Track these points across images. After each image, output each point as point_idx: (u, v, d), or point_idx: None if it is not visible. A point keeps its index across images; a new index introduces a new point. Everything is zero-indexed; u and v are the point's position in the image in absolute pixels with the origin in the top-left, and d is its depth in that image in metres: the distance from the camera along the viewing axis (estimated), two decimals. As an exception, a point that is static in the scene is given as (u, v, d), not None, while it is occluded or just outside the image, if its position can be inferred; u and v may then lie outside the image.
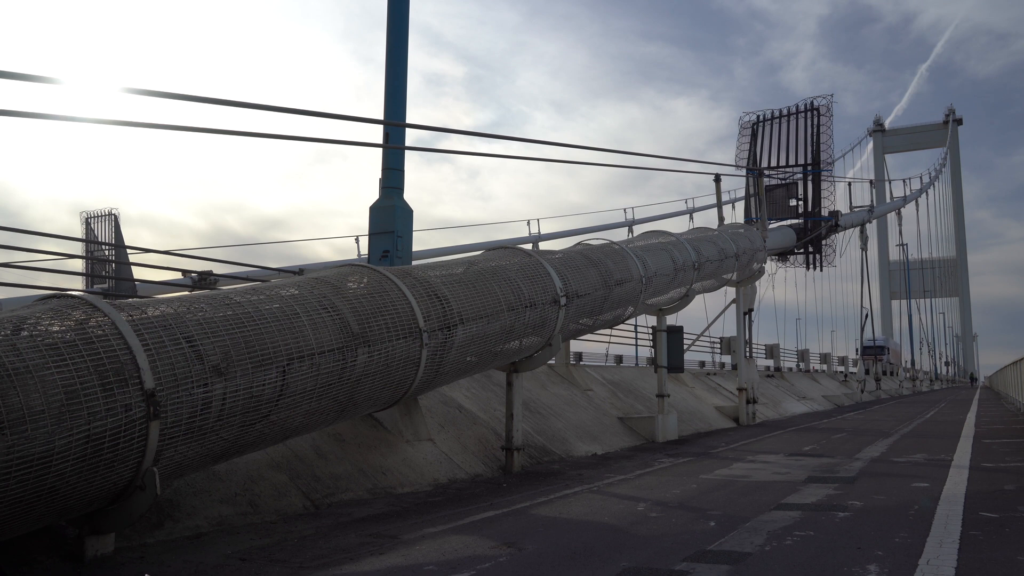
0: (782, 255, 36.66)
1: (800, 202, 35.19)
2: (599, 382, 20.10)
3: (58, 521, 5.93)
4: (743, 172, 33.28)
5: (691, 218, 35.75)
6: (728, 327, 28.06)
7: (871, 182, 61.22)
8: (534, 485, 10.18)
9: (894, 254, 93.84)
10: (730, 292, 24.83)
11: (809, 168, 34.74)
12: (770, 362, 40.23)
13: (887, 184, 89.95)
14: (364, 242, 15.61)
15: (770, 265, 36.46)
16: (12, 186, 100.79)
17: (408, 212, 12.71)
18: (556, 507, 8.53)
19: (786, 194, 35.23)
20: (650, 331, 19.94)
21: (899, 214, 79.20)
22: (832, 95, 38.02)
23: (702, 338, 28.28)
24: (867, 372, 51.57)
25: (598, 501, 8.90)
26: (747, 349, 25.44)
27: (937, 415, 27.19)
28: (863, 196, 58.34)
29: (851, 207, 48.30)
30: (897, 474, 11.00)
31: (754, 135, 35.73)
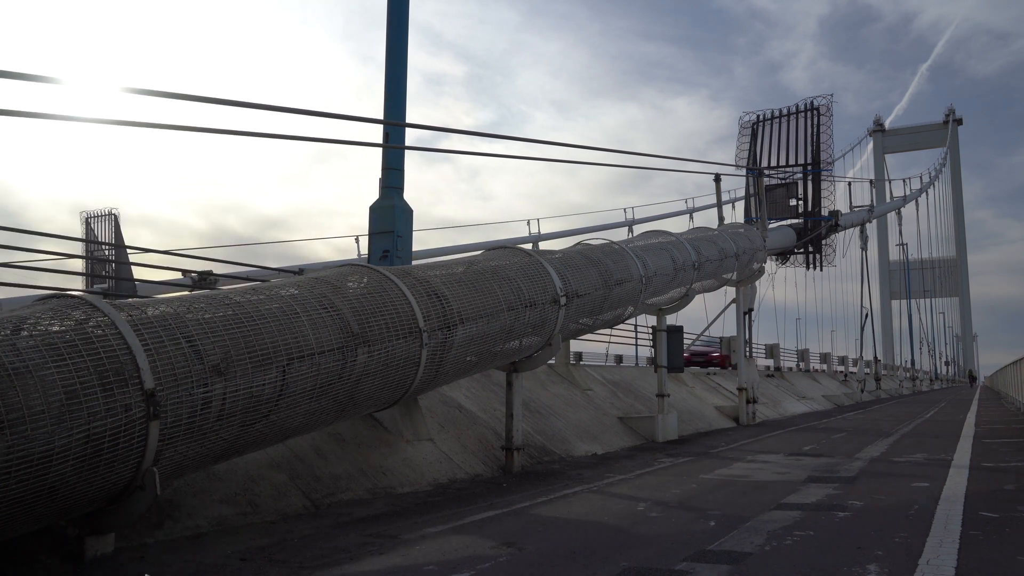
0: (782, 255, 36.62)
1: (800, 202, 35.17)
2: (599, 382, 20.10)
3: (58, 521, 5.93)
4: (743, 172, 33.26)
5: (691, 218, 35.83)
6: (728, 327, 28.12)
7: (871, 182, 61.16)
8: (534, 485, 10.18)
9: (894, 254, 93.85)
10: (730, 292, 24.83)
11: (809, 168, 34.72)
12: (770, 362, 40.23)
13: (887, 184, 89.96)
14: (364, 242, 15.67)
15: (770, 265, 36.44)
16: (12, 186, 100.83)
17: (408, 212, 12.71)
18: (556, 507, 8.53)
19: (786, 194, 35.21)
20: (650, 331, 19.95)
21: (899, 214, 79.17)
22: (832, 95, 38.01)
23: (702, 338, 28.31)
24: None
25: (598, 501, 8.90)
26: (747, 349, 25.44)
27: (937, 415, 27.19)
28: (863, 196, 58.28)
29: (851, 207, 48.27)
30: (897, 474, 11.00)
31: (754, 135, 35.70)
